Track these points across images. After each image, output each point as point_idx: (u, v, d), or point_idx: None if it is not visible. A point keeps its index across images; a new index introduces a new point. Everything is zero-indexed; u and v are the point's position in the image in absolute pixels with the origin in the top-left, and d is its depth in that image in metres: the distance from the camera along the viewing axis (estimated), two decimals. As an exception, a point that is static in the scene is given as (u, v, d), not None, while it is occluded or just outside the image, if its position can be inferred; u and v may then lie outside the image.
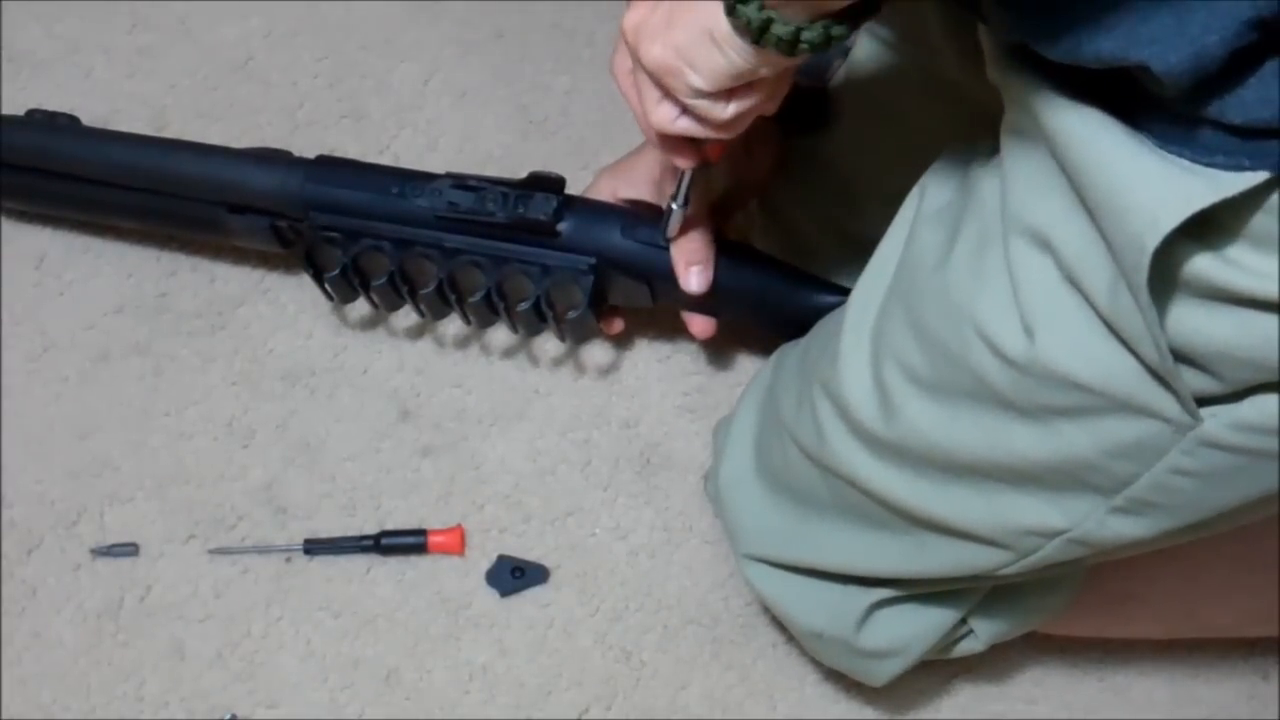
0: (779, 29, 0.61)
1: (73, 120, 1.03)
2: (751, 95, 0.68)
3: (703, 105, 0.69)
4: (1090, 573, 0.87)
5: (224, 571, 1.01)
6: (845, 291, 0.80)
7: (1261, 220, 0.55)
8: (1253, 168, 0.54)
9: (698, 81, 0.66)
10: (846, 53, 0.92)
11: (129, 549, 1.01)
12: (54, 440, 1.04)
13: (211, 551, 1.01)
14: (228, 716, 0.97)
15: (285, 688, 0.98)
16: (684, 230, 0.90)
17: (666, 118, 0.72)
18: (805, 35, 0.61)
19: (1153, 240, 0.55)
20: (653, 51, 0.67)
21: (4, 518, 1.01)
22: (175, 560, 1.01)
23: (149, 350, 1.07)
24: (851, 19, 0.62)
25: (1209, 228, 0.56)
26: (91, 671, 0.98)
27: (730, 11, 0.61)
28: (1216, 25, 0.52)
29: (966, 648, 0.91)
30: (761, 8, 0.60)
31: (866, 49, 0.91)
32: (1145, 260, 0.56)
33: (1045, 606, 0.90)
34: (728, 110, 0.69)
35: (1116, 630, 0.99)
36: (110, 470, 1.03)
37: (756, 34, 0.61)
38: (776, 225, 1.02)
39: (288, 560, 1.01)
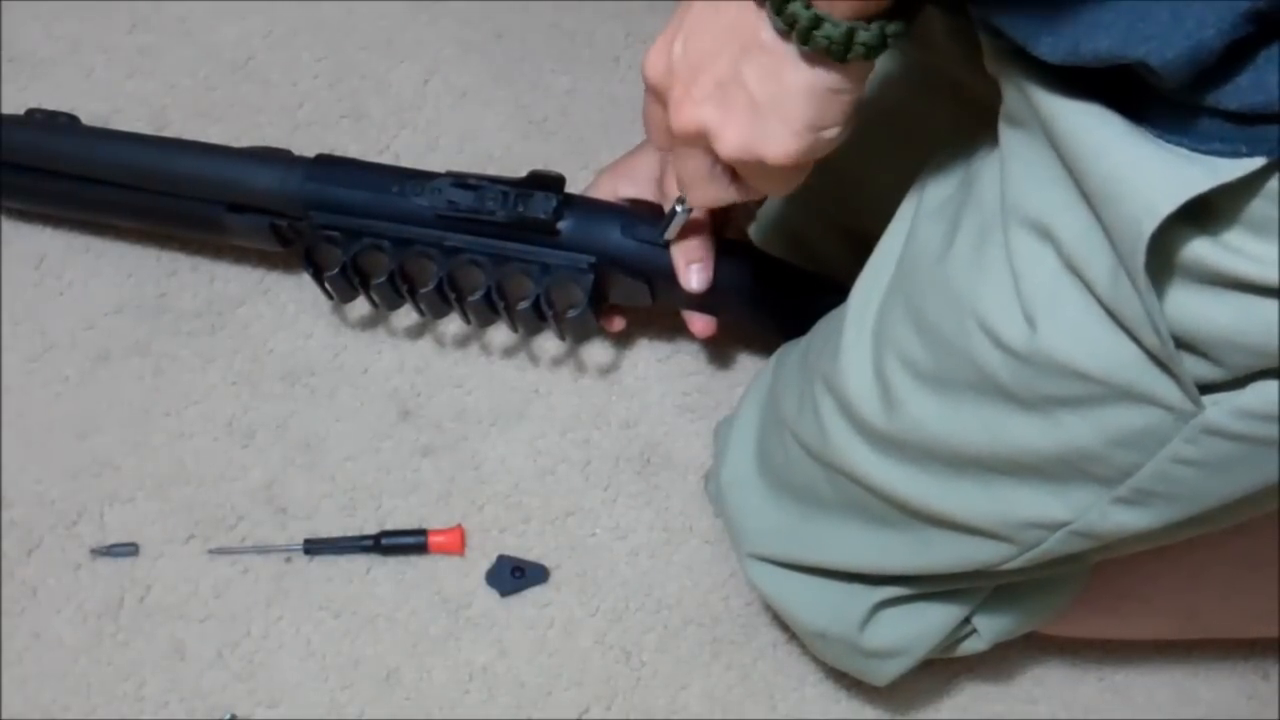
0: (828, 29, 0.60)
1: (72, 120, 1.03)
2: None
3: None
4: (1092, 573, 0.87)
5: (224, 571, 1.01)
6: (846, 290, 0.80)
7: (1259, 206, 0.55)
8: (1250, 154, 0.54)
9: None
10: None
11: (129, 549, 1.00)
12: (54, 440, 1.04)
13: (211, 551, 1.01)
14: (228, 716, 0.97)
15: (285, 688, 0.98)
16: (684, 230, 0.90)
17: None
18: (860, 36, 0.60)
19: (1150, 225, 0.56)
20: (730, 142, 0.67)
21: (4, 518, 1.01)
22: (175, 560, 1.01)
23: (149, 350, 1.07)
24: (903, 15, 0.61)
25: (1208, 214, 0.56)
26: (91, 671, 0.98)
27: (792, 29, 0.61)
28: (1213, 19, 0.52)
29: (969, 647, 0.90)
30: (816, 20, 0.60)
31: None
32: (1142, 245, 0.56)
33: (1048, 605, 0.89)
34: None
35: (1117, 630, 0.99)
36: (110, 470, 1.03)
37: (804, 36, 0.60)
38: (777, 223, 1.02)
39: (288, 560, 1.01)
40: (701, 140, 0.69)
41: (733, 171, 0.74)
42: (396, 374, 1.07)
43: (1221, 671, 1.03)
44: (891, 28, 0.61)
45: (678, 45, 0.67)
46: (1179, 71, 0.54)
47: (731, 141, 0.67)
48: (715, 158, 0.71)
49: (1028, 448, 0.69)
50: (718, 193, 0.74)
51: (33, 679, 0.97)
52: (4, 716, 0.96)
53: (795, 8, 0.59)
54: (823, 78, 0.63)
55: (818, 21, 0.60)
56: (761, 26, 0.62)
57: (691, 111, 0.67)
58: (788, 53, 0.62)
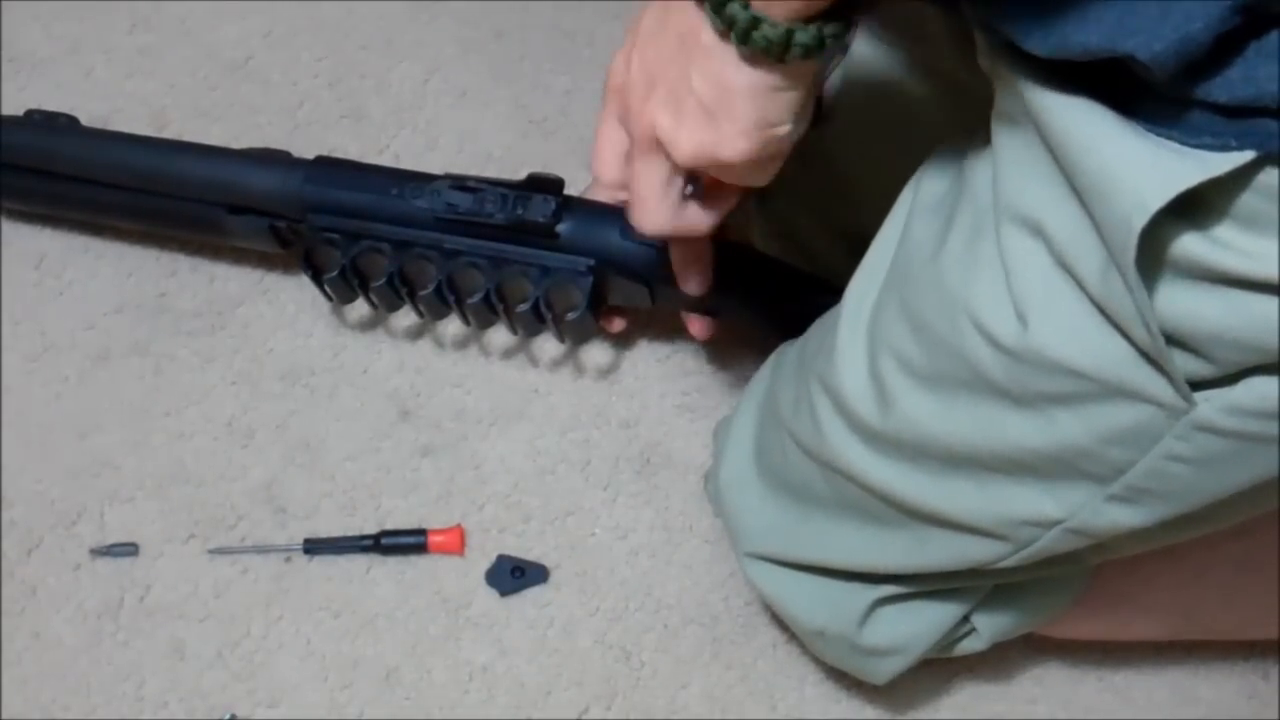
0: (767, 30, 0.61)
1: (72, 120, 1.03)
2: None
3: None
4: (1092, 574, 0.87)
5: (224, 571, 1.01)
6: (844, 291, 0.80)
7: (1249, 200, 0.55)
8: (1239, 147, 0.54)
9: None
10: (846, 49, 0.92)
11: (129, 549, 1.01)
12: (54, 440, 1.04)
13: (211, 551, 1.01)
14: (228, 716, 0.97)
15: (285, 688, 0.98)
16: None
17: None
18: (798, 37, 0.61)
19: (1140, 220, 0.56)
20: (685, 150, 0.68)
21: (4, 518, 1.01)
22: (175, 560, 1.01)
23: (149, 350, 1.07)
24: (841, 17, 0.61)
25: (1198, 209, 0.56)
26: (91, 671, 0.98)
27: (728, 27, 0.61)
28: (1200, 12, 0.52)
29: (968, 646, 0.90)
30: (754, 21, 0.60)
31: (864, 45, 0.91)
32: (1133, 240, 0.56)
33: (1048, 605, 0.89)
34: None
35: (1116, 632, 0.98)
36: (110, 470, 1.03)
37: (742, 36, 0.61)
38: (775, 225, 1.02)
39: (288, 560, 1.01)
40: (660, 148, 0.69)
41: (685, 192, 0.75)
42: (396, 374, 1.07)
43: (1221, 671, 1.03)
44: (829, 29, 0.61)
45: (635, 56, 0.68)
46: (1167, 65, 0.54)
47: (686, 147, 0.67)
48: (673, 168, 0.71)
49: (1021, 445, 0.69)
50: (667, 214, 0.74)
51: (33, 679, 0.97)
52: (4, 716, 0.96)
53: (734, 8, 0.60)
54: (763, 78, 0.63)
55: (756, 22, 0.60)
56: (702, 29, 0.63)
57: (650, 116, 0.68)
58: (728, 54, 0.63)
